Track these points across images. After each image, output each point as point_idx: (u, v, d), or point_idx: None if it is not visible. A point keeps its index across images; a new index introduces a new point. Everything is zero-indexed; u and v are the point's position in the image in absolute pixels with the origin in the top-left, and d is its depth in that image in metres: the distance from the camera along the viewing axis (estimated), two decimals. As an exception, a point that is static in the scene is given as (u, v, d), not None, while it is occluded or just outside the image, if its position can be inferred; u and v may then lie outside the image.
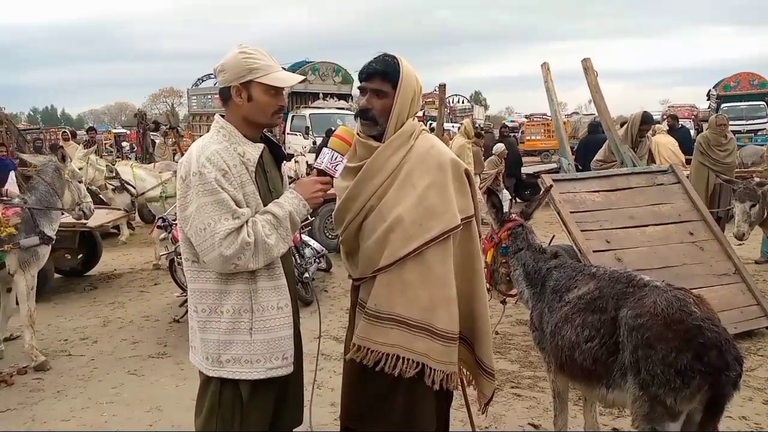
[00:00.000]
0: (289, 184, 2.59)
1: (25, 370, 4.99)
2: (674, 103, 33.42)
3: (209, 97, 21.59)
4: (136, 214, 10.93)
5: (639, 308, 2.63)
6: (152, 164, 10.59)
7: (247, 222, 2.25)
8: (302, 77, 2.71)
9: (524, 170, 13.98)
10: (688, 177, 6.60)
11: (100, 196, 10.03)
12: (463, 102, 41.73)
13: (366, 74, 2.54)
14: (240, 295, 2.30)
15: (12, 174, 10.12)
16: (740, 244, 6.10)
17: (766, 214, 5.93)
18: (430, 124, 16.69)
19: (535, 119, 28.67)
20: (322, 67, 19.70)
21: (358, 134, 2.58)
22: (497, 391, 4.27)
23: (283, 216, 2.31)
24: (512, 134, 19.08)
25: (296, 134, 17.36)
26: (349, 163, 2.52)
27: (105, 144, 22.49)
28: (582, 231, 5.08)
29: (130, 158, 15.29)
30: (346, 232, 2.61)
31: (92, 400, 4.47)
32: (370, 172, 2.51)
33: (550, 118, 19.82)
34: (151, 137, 19.48)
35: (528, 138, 25.51)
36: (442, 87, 9.72)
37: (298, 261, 6.24)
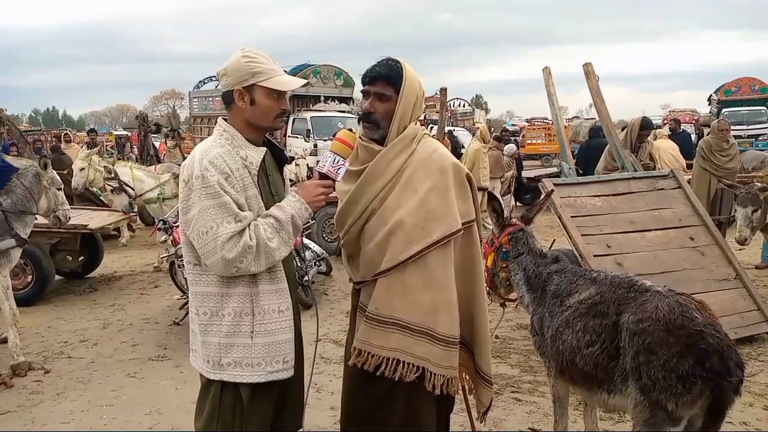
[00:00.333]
0: (290, 187, 2.60)
1: (25, 373, 4.99)
2: (675, 107, 33.44)
3: (210, 99, 21.65)
4: (137, 216, 10.94)
5: (640, 313, 2.63)
6: (153, 166, 10.60)
7: (249, 225, 2.25)
8: (304, 81, 2.68)
9: (525, 174, 13.99)
10: (689, 182, 6.60)
11: (101, 197, 10.07)
12: (464, 105, 41.76)
13: (369, 78, 2.54)
14: (241, 298, 2.30)
15: None
16: (741, 249, 6.10)
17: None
18: (431, 127, 16.70)
19: (536, 123, 28.66)
20: (323, 70, 19.75)
21: (360, 138, 2.58)
22: (497, 395, 4.28)
23: (285, 219, 2.31)
24: (513, 138, 19.09)
25: (297, 137, 17.39)
26: (351, 166, 2.52)
27: (106, 146, 22.51)
28: (583, 235, 5.08)
29: (130, 159, 15.28)
30: (347, 235, 2.60)
31: (92, 402, 4.47)
32: (372, 175, 2.51)
33: (551, 122, 19.84)
34: (153, 140, 19.51)
35: (529, 142, 25.52)
36: (444, 90, 9.76)
37: (299, 264, 6.24)
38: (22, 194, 5.36)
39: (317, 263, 7.01)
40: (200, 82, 24.04)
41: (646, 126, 7.34)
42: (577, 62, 6.86)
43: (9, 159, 7.68)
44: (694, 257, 5.32)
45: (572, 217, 5.20)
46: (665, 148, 9.69)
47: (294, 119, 18.01)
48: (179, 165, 10.37)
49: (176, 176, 8.72)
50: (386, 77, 2.50)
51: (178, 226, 5.87)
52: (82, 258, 8.21)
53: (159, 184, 8.74)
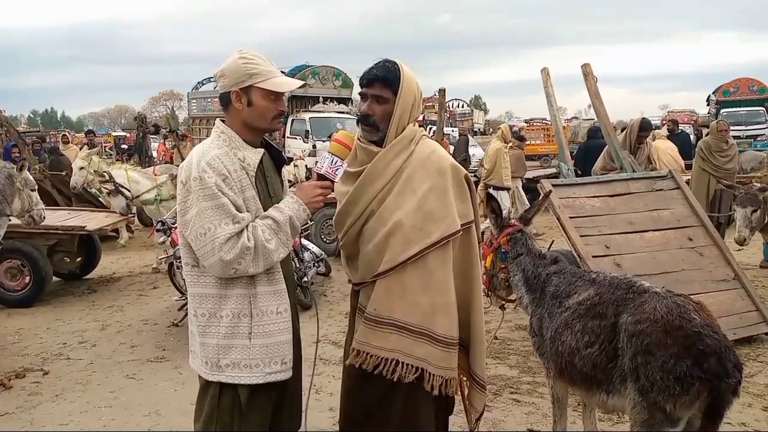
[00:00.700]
0: (289, 188, 2.60)
1: (24, 374, 4.98)
2: (674, 108, 33.51)
3: (209, 100, 21.63)
4: (135, 217, 10.92)
5: (639, 314, 2.63)
6: (152, 167, 10.59)
7: (247, 227, 2.25)
8: (301, 82, 2.67)
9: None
10: (687, 182, 6.61)
11: (100, 199, 10.06)
12: (462, 106, 41.78)
13: (367, 80, 2.54)
14: (239, 299, 2.30)
15: None
16: (740, 250, 6.10)
17: (766, 219, 5.93)
18: (431, 128, 16.70)
19: (534, 124, 28.68)
20: (322, 71, 19.75)
21: (359, 139, 2.59)
22: (496, 396, 4.28)
23: (283, 221, 2.31)
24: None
25: (296, 138, 17.38)
26: (349, 168, 2.53)
27: (105, 147, 22.51)
28: (581, 236, 5.08)
29: (127, 161, 15.28)
30: (346, 236, 2.61)
31: (90, 404, 4.46)
32: (371, 176, 2.51)
33: (549, 122, 19.84)
34: (150, 141, 19.50)
35: (528, 142, 25.49)
36: (442, 91, 9.75)
37: (298, 265, 6.23)
38: None
39: (316, 264, 7.00)
40: (199, 83, 24.03)
41: (645, 127, 7.35)
42: (576, 63, 6.88)
43: None
44: (692, 258, 5.32)
45: (571, 217, 5.20)
46: (664, 149, 9.69)
47: (292, 120, 18.01)
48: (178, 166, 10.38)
49: (173, 178, 8.72)
50: (384, 79, 2.50)
51: (176, 228, 5.87)
52: (79, 259, 8.20)
53: (155, 185, 8.73)
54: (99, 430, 4.07)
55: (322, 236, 8.81)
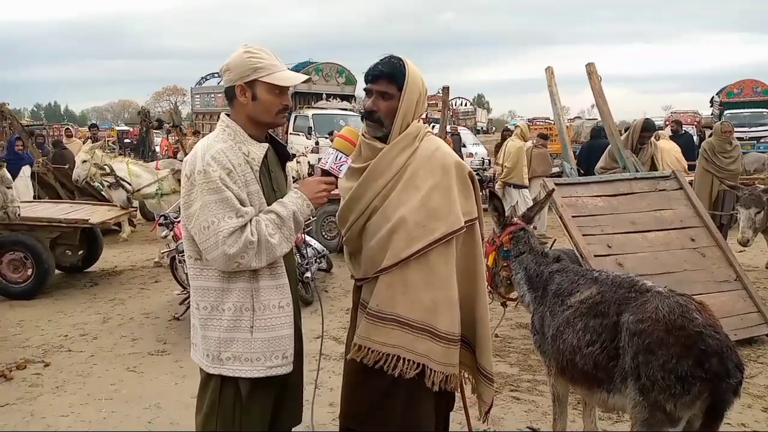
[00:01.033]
0: (293, 184, 2.60)
1: (25, 365, 5.00)
2: (677, 109, 33.38)
3: (212, 95, 21.63)
4: (138, 211, 10.94)
5: (640, 313, 2.63)
6: (155, 162, 10.59)
7: (250, 221, 2.25)
8: (306, 77, 2.67)
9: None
10: (690, 183, 6.59)
11: (103, 192, 10.07)
12: (466, 105, 41.68)
13: (372, 76, 2.54)
14: (241, 293, 2.31)
15: (25, 168, 10.20)
16: (742, 251, 6.10)
17: (770, 220, 5.93)
18: (433, 126, 16.68)
19: (537, 123, 28.61)
20: (325, 68, 19.72)
21: (363, 135, 2.59)
22: (496, 393, 4.28)
23: (287, 215, 2.31)
24: (514, 138, 19.04)
25: (299, 134, 17.38)
26: (354, 164, 2.53)
27: (108, 141, 22.53)
28: (583, 235, 5.08)
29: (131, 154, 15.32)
30: (349, 232, 2.61)
31: (91, 396, 4.47)
32: (375, 172, 2.51)
33: (552, 122, 19.79)
34: (153, 135, 19.53)
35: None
36: (446, 90, 9.75)
37: (300, 261, 6.24)
38: None
39: (318, 260, 7.01)
40: (202, 78, 24.02)
41: (648, 127, 7.33)
42: (580, 63, 6.86)
43: None
44: (694, 258, 5.31)
45: (573, 216, 5.20)
46: (668, 150, 9.68)
47: (296, 116, 17.99)
48: (181, 161, 10.41)
49: (174, 172, 8.73)
50: (389, 75, 2.50)
51: (179, 222, 5.88)
52: (81, 252, 8.21)
53: (157, 179, 8.73)
54: (99, 425, 4.08)
55: (323, 233, 8.81)
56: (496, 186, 10.13)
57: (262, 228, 2.25)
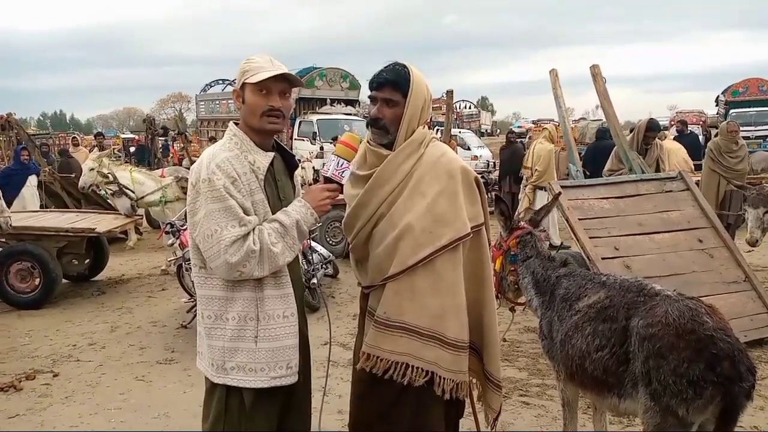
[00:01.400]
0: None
1: (34, 376, 5.01)
2: (682, 108, 33.31)
3: (217, 102, 21.73)
4: (144, 219, 10.97)
5: (650, 318, 2.61)
6: (160, 169, 10.62)
7: (253, 230, 2.25)
8: (285, 69, 2.54)
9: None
10: (697, 184, 6.56)
11: (108, 200, 10.11)
12: (470, 107, 41.68)
13: (377, 84, 2.54)
14: (246, 302, 2.30)
15: (32, 177, 10.26)
16: (751, 251, 6.06)
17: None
18: (438, 129, 16.70)
19: (542, 125, 28.58)
20: (329, 73, 19.79)
21: (368, 143, 2.58)
22: (505, 399, 4.26)
23: (290, 224, 2.31)
24: (519, 140, 19.05)
25: (303, 140, 17.42)
26: (359, 171, 2.52)
27: (113, 149, 22.64)
28: (590, 238, 5.07)
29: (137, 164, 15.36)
30: (356, 239, 2.60)
31: (100, 405, 4.48)
32: (381, 179, 2.50)
33: (557, 123, 19.75)
34: (159, 143, 19.59)
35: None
36: (450, 93, 9.74)
37: (306, 267, 6.23)
38: None
39: (324, 266, 7.01)
40: (207, 85, 24.13)
41: (652, 127, 7.30)
42: (584, 64, 6.85)
43: None
44: (702, 260, 5.28)
45: (580, 219, 5.18)
46: (675, 150, 9.65)
47: (300, 122, 18.05)
48: (187, 168, 10.45)
49: (179, 179, 8.74)
50: (394, 83, 2.50)
51: (185, 229, 5.89)
52: (87, 261, 8.24)
53: (160, 187, 8.74)
54: (108, 432, 4.09)
55: (328, 238, 8.82)
56: (527, 189, 9.92)
57: (264, 237, 2.24)
